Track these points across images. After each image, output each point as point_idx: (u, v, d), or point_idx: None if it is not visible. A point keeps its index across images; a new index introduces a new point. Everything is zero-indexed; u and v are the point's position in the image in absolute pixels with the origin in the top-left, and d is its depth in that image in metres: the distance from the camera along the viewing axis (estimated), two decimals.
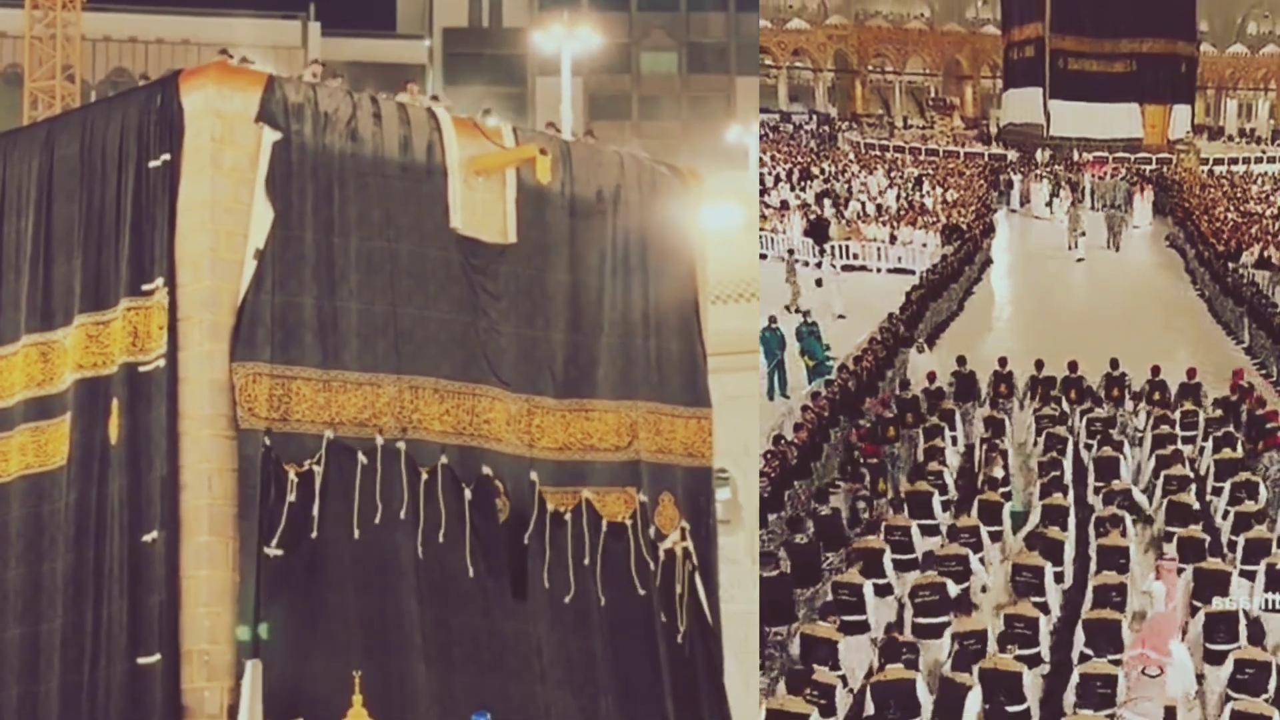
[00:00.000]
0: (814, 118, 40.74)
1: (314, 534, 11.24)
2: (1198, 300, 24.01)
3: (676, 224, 13.94)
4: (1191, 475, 14.51)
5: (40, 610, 11.78)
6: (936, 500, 13.43)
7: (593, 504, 12.92)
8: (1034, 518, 13.27)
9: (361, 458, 11.62)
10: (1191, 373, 17.36)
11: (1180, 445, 15.31)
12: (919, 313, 20.85)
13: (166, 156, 11.74)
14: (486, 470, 12.38)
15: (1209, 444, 15.56)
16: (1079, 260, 26.52)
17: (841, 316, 22.21)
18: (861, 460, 14.55)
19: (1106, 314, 23.08)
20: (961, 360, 17.82)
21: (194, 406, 11.47)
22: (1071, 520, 13.08)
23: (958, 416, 16.67)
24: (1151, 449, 15.44)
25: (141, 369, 11.57)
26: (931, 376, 17.34)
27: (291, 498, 11.27)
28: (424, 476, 11.93)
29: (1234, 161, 35.91)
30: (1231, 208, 29.65)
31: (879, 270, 26.07)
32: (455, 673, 11.79)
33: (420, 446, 12.16)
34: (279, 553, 11.11)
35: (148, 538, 11.28)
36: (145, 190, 11.81)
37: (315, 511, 11.29)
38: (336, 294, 12.02)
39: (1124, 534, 12.50)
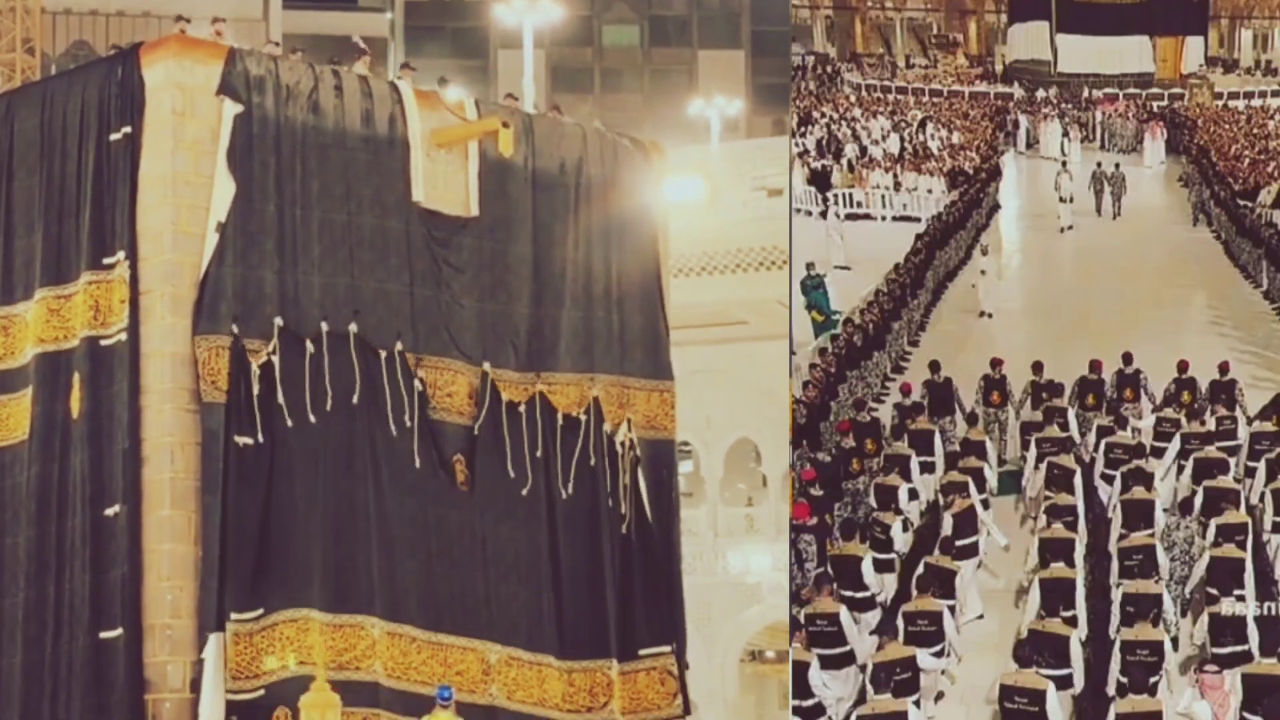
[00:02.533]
0: (812, 59, 39.95)
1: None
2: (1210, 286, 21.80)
3: (639, 197, 13.93)
4: (1248, 522, 11.45)
5: (2, 585, 11.87)
6: (868, 562, 11.20)
7: (547, 397, 12.91)
8: (1032, 603, 10.51)
9: (310, 347, 11.66)
10: (1224, 367, 14.83)
11: (1229, 474, 12.30)
12: (926, 261, 20.28)
13: (127, 129, 11.85)
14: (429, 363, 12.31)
15: (1261, 466, 12.60)
16: (1067, 229, 24.89)
17: (844, 268, 21.70)
18: (794, 535, 12.11)
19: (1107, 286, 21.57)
20: (935, 366, 15.07)
21: (156, 380, 11.55)
22: (1082, 602, 10.46)
23: (936, 439, 13.67)
24: (1192, 478, 12.41)
25: (103, 343, 11.69)
26: (906, 389, 14.78)
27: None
28: (382, 357, 11.97)
29: (1250, 95, 35.03)
30: (1248, 144, 28.92)
31: (884, 218, 25.58)
32: (404, 560, 11.92)
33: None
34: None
35: (110, 512, 11.42)
36: (106, 163, 11.90)
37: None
38: (298, 267, 12.02)
39: (1157, 623, 9.85)
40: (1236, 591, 10.72)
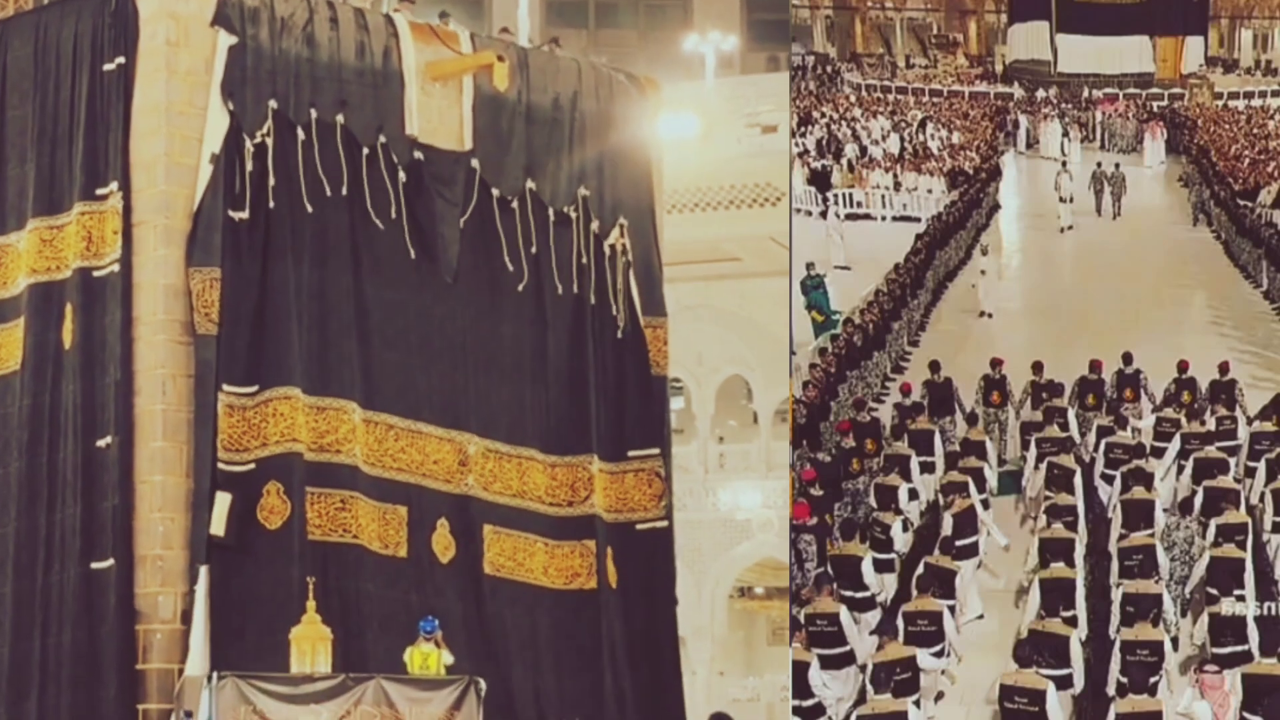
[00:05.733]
0: (812, 58, 39.81)
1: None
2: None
3: (633, 133, 13.89)
4: (1248, 522, 11.38)
5: None
6: (868, 563, 11.09)
7: (538, 194, 12.95)
8: (1032, 603, 10.38)
9: (300, 133, 11.77)
10: (1224, 367, 14.72)
11: (1229, 474, 12.22)
12: (926, 261, 20.13)
13: (121, 60, 11.78)
14: (418, 155, 12.43)
15: (1261, 466, 12.52)
16: (1067, 229, 24.82)
17: (844, 268, 21.54)
18: (794, 534, 11.88)
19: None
20: (935, 366, 14.96)
21: (148, 311, 11.52)
22: (1082, 602, 10.38)
23: (936, 439, 13.57)
24: (1192, 478, 12.33)
25: (95, 273, 11.63)
26: (906, 389, 14.66)
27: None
28: (365, 151, 12.10)
29: (1250, 95, 34.98)
30: (1248, 144, 28.86)
31: (884, 218, 25.44)
32: (385, 350, 12.15)
33: None
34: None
35: (102, 443, 11.41)
36: (99, 94, 11.83)
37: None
38: None
39: (1157, 623, 9.74)
40: (1236, 591, 10.66)
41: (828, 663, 10.21)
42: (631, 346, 13.51)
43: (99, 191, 11.64)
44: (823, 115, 32.14)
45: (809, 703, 10.02)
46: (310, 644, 10.64)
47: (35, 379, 11.73)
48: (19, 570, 11.59)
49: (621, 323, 13.44)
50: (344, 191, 12.07)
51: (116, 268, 11.50)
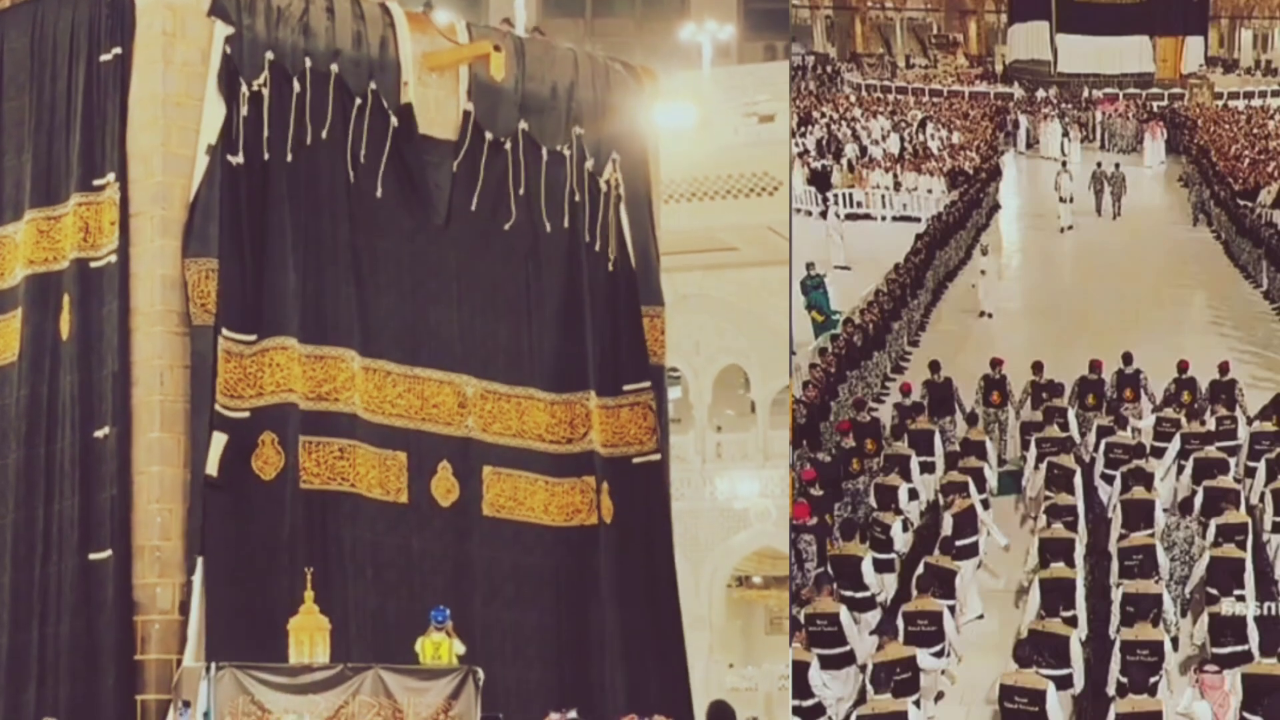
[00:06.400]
0: (812, 58, 39.76)
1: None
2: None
3: (630, 122, 13.85)
4: (1248, 522, 11.35)
5: None
6: (868, 563, 11.08)
7: (530, 135, 12.94)
8: (1032, 603, 10.35)
9: (296, 86, 11.84)
10: (1224, 367, 14.68)
11: (1229, 474, 12.20)
12: (926, 261, 20.09)
13: (118, 50, 11.77)
14: (406, 100, 12.42)
15: (1261, 466, 12.50)
16: (1067, 229, 24.80)
17: (844, 268, 21.48)
18: (794, 534, 11.83)
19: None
20: (935, 366, 14.92)
21: (145, 302, 11.55)
22: (1082, 602, 10.33)
23: (936, 439, 13.52)
24: (1192, 478, 12.30)
25: (93, 265, 11.64)
26: (906, 389, 14.63)
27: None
28: (357, 102, 12.09)
29: (1250, 95, 34.91)
30: (1248, 144, 28.82)
31: (884, 218, 25.41)
32: (380, 295, 12.15)
33: None
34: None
35: (99, 434, 11.43)
36: (96, 84, 11.83)
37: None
38: None
39: (1157, 623, 9.71)
40: (1236, 591, 10.66)
41: (828, 663, 10.20)
42: (622, 280, 13.49)
43: (96, 182, 11.63)
44: (823, 115, 32.13)
45: (809, 703, 10.02)
46: (308, 634, 10.61)
47: (33, 370, 11.73)
48: (17, 561, 11.59)
49: (612, 255, 13.40)
50: (335, 138, 12.08)
51: (114, 259, 11.50)
